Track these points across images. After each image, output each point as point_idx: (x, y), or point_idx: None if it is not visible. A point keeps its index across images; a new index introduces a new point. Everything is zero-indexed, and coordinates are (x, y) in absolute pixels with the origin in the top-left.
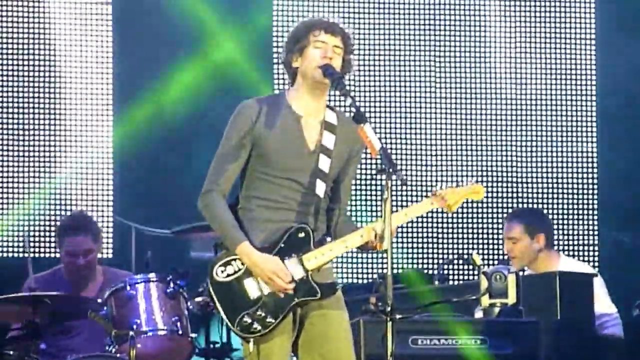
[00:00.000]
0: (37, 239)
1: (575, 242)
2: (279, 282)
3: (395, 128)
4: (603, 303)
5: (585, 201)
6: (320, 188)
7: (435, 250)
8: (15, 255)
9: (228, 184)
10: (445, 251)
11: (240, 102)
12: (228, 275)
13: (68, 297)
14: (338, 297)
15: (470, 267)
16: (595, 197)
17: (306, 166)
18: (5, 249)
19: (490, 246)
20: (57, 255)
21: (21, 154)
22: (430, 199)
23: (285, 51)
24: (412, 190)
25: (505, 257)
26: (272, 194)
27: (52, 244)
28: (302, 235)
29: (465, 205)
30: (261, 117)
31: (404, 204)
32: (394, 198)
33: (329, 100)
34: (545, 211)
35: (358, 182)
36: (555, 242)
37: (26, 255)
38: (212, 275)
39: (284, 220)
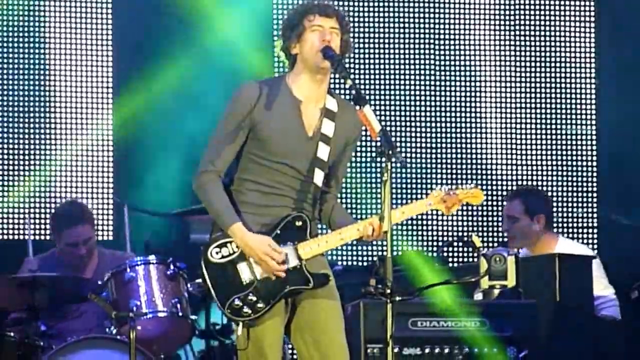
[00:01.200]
0: (36, 221)
1: (574, 224)
2: (272, 263)
3: (395, 111)
4: (600, 285)
5: (584, 183)
6: (319, 177)
7: (435, 233)
8: (14, 237)
9: (224, 165)
10: (445, 233)
11: (240, 83)
12: (222, 257)
13: (69, 279)
14: (331, 286)
15: (470, 249)
16: (594, 178)
17: (303, 152)
18: (4, 231)
19: (490, 228)
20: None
21: (21, 137)
22: (427, 200)
23: (282, 39)
24: (411, 174)
25: (505, 239)
26: (266, 179)
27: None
28: (299, 223)
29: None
30: (260, 99)
31: (405, 186)
32: (393, 180)
33: (330, 84)
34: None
35: (358, 164)
36: (555, 224)
37: (26, 237)
38: (207, 256)
39: (278, 206)
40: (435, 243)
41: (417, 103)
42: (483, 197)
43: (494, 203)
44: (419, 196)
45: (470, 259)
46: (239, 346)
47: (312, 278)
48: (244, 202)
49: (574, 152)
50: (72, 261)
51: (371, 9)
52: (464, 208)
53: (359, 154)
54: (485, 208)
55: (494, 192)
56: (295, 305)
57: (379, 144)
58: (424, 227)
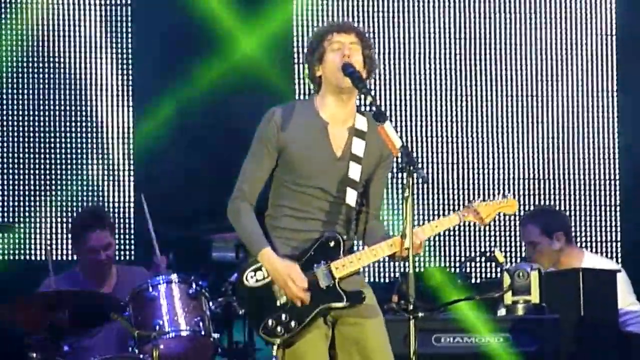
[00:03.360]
0: (57, 242)
1: (598, 239)
2: (293, 288)
3: (416, 127)
4: (627, 300)
5: (607, 197)
6: (351, 197)
7: (457, 249)
8: (35, 258)
9: (254, 192)
10: (468, 249)
11: (260, 99)
12: (257, 281)
13: (90, 294)
14: (372, 305)
15: (493, 264)
16: (617, 192)
17: (333, 173)
18: (25, 252)
19: (513, 243)
20: (74, 257)
21: (42, 157)
22: (461, 212)
23: (307, 64)
24: (433, 189)
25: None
26: (300, 204)
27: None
28: (332, 244)
29: None
30: (287, 124)
31: (426, 202)
32: (415, 197)
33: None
34: (567, 208)
35: None
36: (578, 238)
37: (47, 257)
38: (242, 280)
39: (313, 230)
40: (458, 259)
41: (437, 118)
42: (517, 207)
43: (517, 219)
44: (440, 212)
45: (493, 275)
46: None
47: (345, 295)
48: (278, 228)
49: (597, 165)
50: (93, 273)
51: (394, 23)
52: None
53: None
54: (507, 223)
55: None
56: (337, 326)
57: (400, 160)
58: (447, 243)
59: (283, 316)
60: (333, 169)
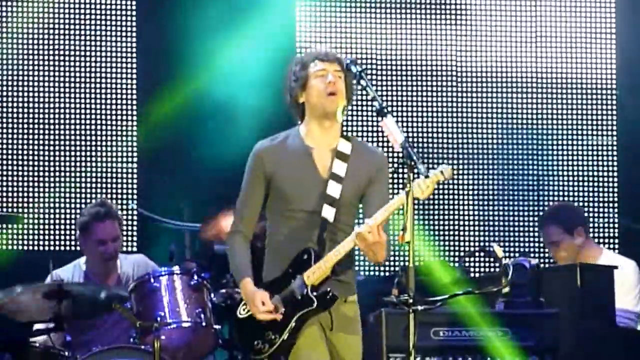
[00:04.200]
0: (60, 232)
1: (596, 233)
2: (259, 309)
3: (415, 121)
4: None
5: (605, 192)
6: (327, 211)
7: (456, 243)
8: (39, 249)
9: (249, 225)
10: (467, 243)
11: (263, 95)
12: (248, 311)
13: (94, 287)
14: (354, 319)
15: (492, 259)
16: (615, 188)
17: (315, 193)
18: (28, 243)
19: (512, 238)
20: (78, 248)
21: (46, 148)
22: (402, 195)
23: (289, 93)
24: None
25: (527, 248)
26: (286, 227)
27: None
28: (305, 257)
29: (485, 197)
30: (273, 154)
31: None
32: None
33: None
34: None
35: None
36: None
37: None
38: (236, 313)
39: (293, 248)
40: (457, 253)
41: (438, 113)
42: (452, 173)
43: (516, 213)
44: (441, 208)
45: (492, 269)
46: None
47: (315, 299)
48: (273, 255)
49: (595, 161)
50: (99, 265)
51: (393, 23)
52: (486, 218)
53: None
54: (506, 218)
55: (516, 202)
56: (330, 340)
57: (401, 154)
58: (446, 237)
59: (266, 333)
60: (317, 190)
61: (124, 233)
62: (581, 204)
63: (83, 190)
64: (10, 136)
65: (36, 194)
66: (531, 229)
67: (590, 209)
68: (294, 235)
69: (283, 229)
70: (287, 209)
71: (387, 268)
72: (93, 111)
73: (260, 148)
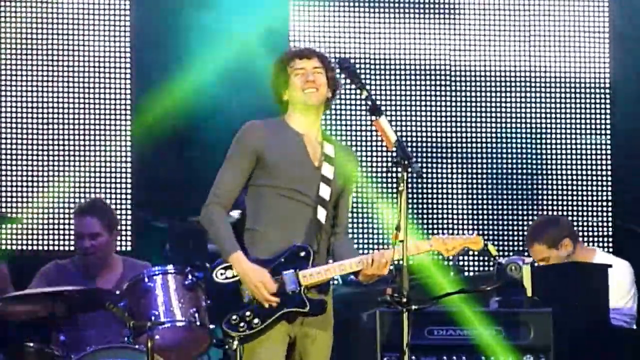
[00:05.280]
0: (55, 232)
1: (590, 233)
2: (263, 293)
3: (408, 120)
4: (622, 296)
5: (599, 192)
6: (322, 214)
7: None
8: (33, 248)
9: (229, 197)
10: None
11: (257, 94)
12: (227, 278)
13: (84, 291)
14: (327, 318)
15: (486, 258)
16: (609, 187)
17: (311, 181)
18: (24, 242)
19: (506, 237)
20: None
21: (40, 147)
22: (430, 241)
23: (273, 90)
24: (426, 185)
25: (520, 247)
26: (279, 210)
27: (72, 237)
28: (302, 254)
29: (480, 195)
30: (266, 133)
31: (420, 197)
32: (409, 191)
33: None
34: (558, 203)
35: (374, 174)
36: None
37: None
38: (212, 277)
39: (290, 239)
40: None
41: (431, 113)
42: (482, 244)
43: (511, 212)
44: (435, 207)
45: (486, 268)
46: None
47: (308, 302)
48: (260, 240)
49: (589, 161)
50: (82, 262)
51: (389, 21)
52: (480, 217)
53: (374, 163)
54: (500, 217)
55: (510, 202)
56: (297, 341)
57: (394, 154)
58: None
59: (247, 313)
60: (312, 177)
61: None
62: (575, 203)
63: (78, 190)
64: (5, 136)
65: (32, 194)
66: (525, 227)
67: (584, 208)
68: (288, 223)
69: (274, 210)
70: (279, 187)
71: None
72: (87, 111)
73: (251, 124)
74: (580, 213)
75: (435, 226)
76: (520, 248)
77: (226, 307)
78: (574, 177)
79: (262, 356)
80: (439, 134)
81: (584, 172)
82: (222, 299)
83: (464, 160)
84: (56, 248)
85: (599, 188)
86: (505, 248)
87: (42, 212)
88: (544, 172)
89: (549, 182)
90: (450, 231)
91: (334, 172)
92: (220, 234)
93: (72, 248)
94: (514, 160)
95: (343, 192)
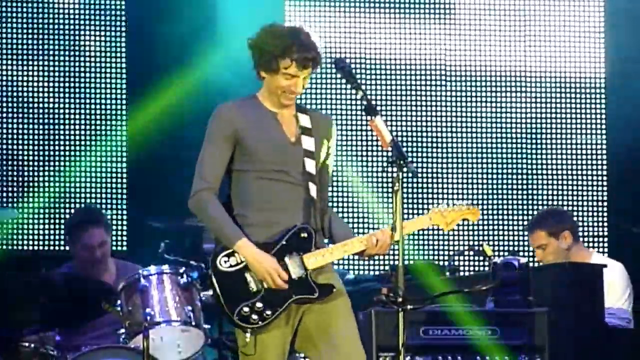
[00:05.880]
0: (51, 232)
1: (585, 233)
2: (277, 280)
3: (404, 120)
4: (618, 297)
5: (595, 192)
6: (313, 190)
7: (446, 242)
8: (30, 248)
9: (216, 182)
10: (456, 242)
11: (252, 94)
12: (231, 266)
13: (90, 281)
14: (341, 292)
15: (481, 258)
16: (605, 187)
17: (291, 159)
18: (20, 243)
19: (501, 237)
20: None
21: (37, 149)
22: (429, 215)
23: (255, 61)
24: (422, 183)
25: (516, 247)
26: (266, 195)
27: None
28: (304, 235)
29: (474, 195)
30: (239, 115)
31: (415, 197)
32: (405, 190)
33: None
34: (554, 203)
35: (369, 174)
36: None
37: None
38: (216, 265)
39: (282, 222)
40: (446, 252)
41: (426, 113)
42: (479, 214)
43: (505, 212)
44: (430, 206)
45: (482, 268)
46: (246, 351)
47: (317, 288)
48: (249, 225)
49: (584, 161)
50: (87, 270)
51: (385, 19)
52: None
53: (369, 163)
54: (495, 217)
55: (505, 202)
56: (303, 317)
57: (390, 154)
58: (435, 237)
59: (258, 305)
60: (291, 155)
61: (114, 234)
62: (570, 203)
63: (73, 190)
64: (0, 137)
65: (27, 194)
66: (520, 228)
67: (580, 209)
68: (278, 203)
69: (259, 195)
70: (259, 170)
71: (376, 267)
72: (83, 111)
73: (224, 107)
74: (575, 212)
75: (429, 227)
76: (516, 248)
77: (233, 296)
78: (569, 177)
79: (272, 346)
80: (433, 134)
81: (579, 172)
82: (227, 288)
83: (459, 160)
84: (54, 248)
85: (594, 187)
86: (501, 248)
87: (39, 212)
88: (539, 171)
89: (544, 181)
90: (448, 202)
91: (314, 142)
92: (219, 222)
93: (64, 248)
94: (509, 160)
95: (324, 162)
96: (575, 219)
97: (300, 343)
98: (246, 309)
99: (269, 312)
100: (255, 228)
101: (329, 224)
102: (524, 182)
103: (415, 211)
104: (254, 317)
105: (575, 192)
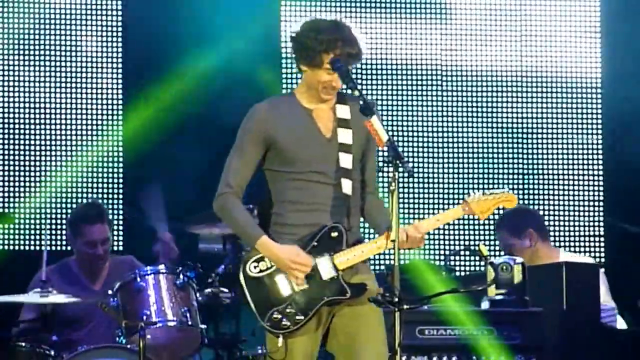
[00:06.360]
0: (50, 231)
1: (581, 233)
2: (303, 269)
3: (402, 121)
4: (602, 296)
5: (591, 191)
6: (347, 186)
7: (442, 242)
8: (27, 248)
9: (241, 185)
10: (453, 242)
11: (248, 94)
12: (261, 271)
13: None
14: (372, 291)
15: (477, 258)
16: (601, 187)
17: (328, 158)
18: (18, 242)
19: (497, 237)
20: (69, 247)
21: (33, 147)
22: (462, 206)
23: (295, 53)
24: (418, 183)
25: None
26: (304, 196)
27: (64, 237)
28: (335, 234)
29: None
30: (273, 116)
31: (411, 196)
32: (401, 190)
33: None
34: (550, 202)
35: None
36: (561, 233)
37: (43, 248)
38: (245, 270)
39: (318, 222)
40: (442, 252)
41: (423, 112)
42: (516, 201)
43: (501, 212)
44: (426, 205)
45: (478, 268)
46: (275, 356)
47: (349, 288)
48: (285, 224)
49: (580, 160)
50: (88, 266)
51: (383, 18)
52: (471, 217)
53: None
54: (491, 217)
55: None
56: (334, 319)
57: (386, 153)
58: (431, 236)
59: (288, 310)
60: (327, 153)
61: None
62: (566, 203)
63: (71, 189)
64: None
65: (25, 194)
66: None
67: (576, 208)
68: (315, 204)
69: (297, 196)
70: (296, 172)
71: (372, 267)
72: (79, 109)
73: (260, 109)
74: (571, 212)
75: None
76: None
77: (263, 302)
78: (565, 177)
79: (301, 349)
80: (430, 134)
81: (575, 171)
82: (257, 294)
83: (455, 160)
84: (53, 248)
85: (590, 187)
86: (497, 248)
87: (35, 211)
88: (535, 171)
89: (540, 181)
90: (482, 191)
91: (352, 134)
92: (241, 221)
93: (63, 247)
94: (505, 160)
95: (366, 151)
96: (570, 217)
97: (329, 345)
98: (277, 315)
99: (300, 317)
100: (291, 228)
101: (371, 213)
102: (520, 182)
103: (413, 211)
104: (285, 321)
105: (571, 192)
